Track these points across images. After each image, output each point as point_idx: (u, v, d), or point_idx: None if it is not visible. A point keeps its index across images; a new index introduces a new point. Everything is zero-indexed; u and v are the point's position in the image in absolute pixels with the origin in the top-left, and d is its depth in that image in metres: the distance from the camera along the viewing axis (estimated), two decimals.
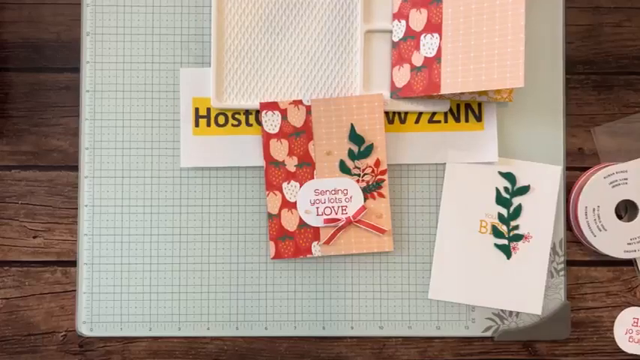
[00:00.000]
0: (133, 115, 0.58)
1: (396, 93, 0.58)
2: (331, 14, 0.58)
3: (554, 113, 0.59)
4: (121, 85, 0.58)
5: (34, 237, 0.58)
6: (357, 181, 0.57)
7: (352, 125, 0.57)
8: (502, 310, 0.58)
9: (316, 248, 0.57)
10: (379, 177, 0.57)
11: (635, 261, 0.59)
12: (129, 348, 0.58)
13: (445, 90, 0.54)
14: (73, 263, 0.58)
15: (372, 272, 0.58)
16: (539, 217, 0.58)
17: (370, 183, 0.57)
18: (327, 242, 0.57)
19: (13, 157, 0.59)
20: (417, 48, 0.56)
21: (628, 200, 0.58)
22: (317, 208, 0.57)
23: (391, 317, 0.58)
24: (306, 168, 0.57)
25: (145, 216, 0.58)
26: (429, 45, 0.55)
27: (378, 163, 0.57)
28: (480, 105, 0.58)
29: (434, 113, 0.58)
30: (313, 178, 0.57)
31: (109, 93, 0.58)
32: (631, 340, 0.59)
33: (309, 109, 0.57)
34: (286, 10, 0.58)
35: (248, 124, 0.58)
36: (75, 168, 0.58)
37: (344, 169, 0.57)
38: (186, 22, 0.59)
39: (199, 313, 0.58)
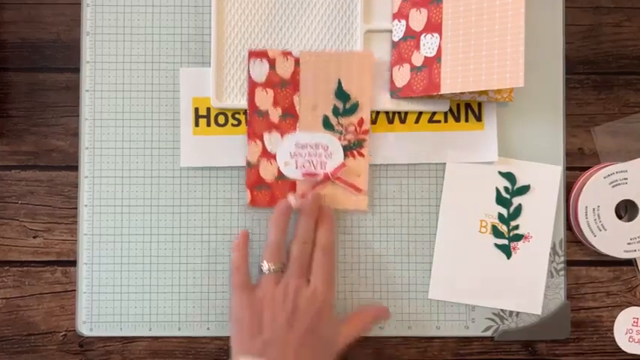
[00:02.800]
0: (133, 115, 0.58)
1: (396, 93, 0.58)
2: (331, 14, 0.58)
3: (554, 113, 0.59)
4: (121, 85, 0.58)
5: (34, 237, 0.58)
6: (339, 138, 0.57)
7: (340, 81, 0.57)
8: (502, 310, 0.58)
9: (292, 201, 0.57)
10: (361, 136, 0.57)
11: (635, 261, 0.59)
12: (129, 348, 0.58)
13: (445, 90, 0.54)
14: (73, 263, 0.58)
15: (372, 272, 0.58)
16: (540, 217, 0.58)
17: (352, 142, 0.57)
18: (303, 196, 0.57)
19: (13, 157, 0.59)
20: (417, 48, 0.56)
21: (628, 200, 0.58)
22: (296, 161, 0.57)
23: (391, 317, 0.58)
24: (290, 120, 0.57)
25: (145, 216, 0.58)
26: (429, 45, 0.55)
27: (361, 122, 0.57)
28: (480, 105, 0.58)
29: (434, 113, 0.58)
30: (296, 130, 0.57)
31: (109, 93, 0.58)
32: (631, 340, 0.59)
33: (297, 61, 0.57)
34: (286, 10, 0.58)
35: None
36: (75, 168, 0.58)
37: (327, 125, 0.57)
38: (186, 22, 0.58)
39: (199, 313, 0.58)
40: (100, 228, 0.58)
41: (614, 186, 0.57)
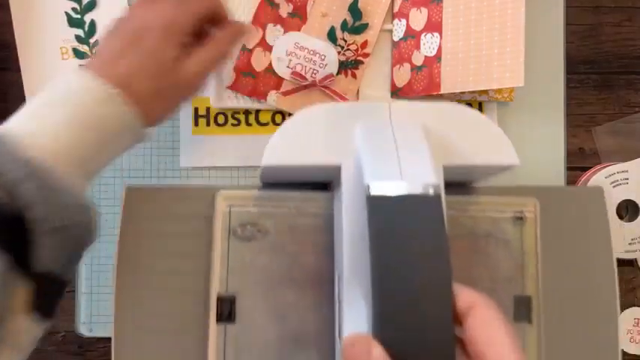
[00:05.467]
0: None
1: (396, 93, 0.57)
2: None
3: (555, 113, 0.59)
4: None
5: None
6: (338, 52, 0.57)
7: None
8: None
9: (272, 97, 0.56)
10: (360, 58, 0.57)
11: (636, 261, 0.59)
12: None
13: (445, 89, 0.53)
14: None
15: None
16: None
17: (349, 59, 0.57)
18: (285, 94, 0.56)
19: None
20: (418, 47, 0.56)
21: (629, 200, 0.58)
22: (290, 60, 0.56)
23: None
24: (297, 20, 0.56)
25: None
26: (429, 44, 0.55)
27: (365, 44, 0.57)
28: (480, 105, 0.58)
29: None
30: (300, 31, 0.57)
31: None
32: (632, 340, 0.59)
33: None
34: None
35: (248, 123, 0.58)
36: None
37: (331, 36, 0.57)
38: None
39: None
40: (99, 228, 0.57)
41: (615, 186, 0.57)
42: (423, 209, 0.33)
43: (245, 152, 0.58)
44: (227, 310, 0.44)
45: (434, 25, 0.55)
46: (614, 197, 0.57)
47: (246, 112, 0.58)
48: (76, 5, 0.58)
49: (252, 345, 0.43)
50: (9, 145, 0.36)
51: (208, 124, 0.58)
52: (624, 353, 0.59)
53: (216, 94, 0.57)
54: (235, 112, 0.58)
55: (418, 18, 0.56)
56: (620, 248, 0.57)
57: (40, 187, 0.35)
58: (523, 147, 0.58)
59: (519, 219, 0.46)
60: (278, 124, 0.58)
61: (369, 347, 0.31)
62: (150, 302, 0.45)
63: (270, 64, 0.56)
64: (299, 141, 0.40)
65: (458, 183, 0.46)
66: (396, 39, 0.58)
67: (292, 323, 0.44)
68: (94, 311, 0.57)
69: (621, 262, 0.59)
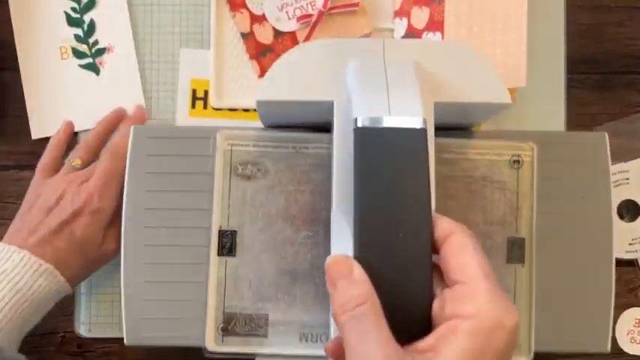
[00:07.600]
0: None
1: None
2: None
3: (556, 113, 0.59)
4: None
5: None
6: None
7: None
8: None
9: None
10: None
11: (637, 261, 0.59)
12: (127, 349, 0.58)
13: None
14: None
15: None
16: (114, 25, 0.57)
17: None
18: (307, 40, 0.55)
19: (12, 157, 0.58)
20: None
21: (630, 200, 0.57)
22: (287, 12, 0.55)
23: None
24: None
25: None
26: None
27: None
28: None
29: None
30: None
31: None
32: (633, 340, 0.59)
33: None
34: None
35: (245, 109, 0.57)
36: None
37: None
38: (185, 21, 0.58)
39: None
40: None
41: (615, 186, 0.57)
42: (407, 141, 0.34)
43: None
44: (228, 244, 0.46)
45: (436, 25, 0.54)
46: (615, 197, 0.57)
47: None
48: (75, 4, 0.57)
49: (251, 277, 0.46)
50: None
51: (205, 107, 0.57)
52: (625, 354, 0.59)
53: (216, 95, 0.57)
54: None
55: (420, 17, 0.55)
56: (621, 248, 0.57)
57: None
58: None
59: (516, 162, 0.47)
60: None
61: (350, 267, 0.32)
62: (155, 237, 0.47)
63: (275, 29, 0.56)
64: (294, 77, 0.41)
65: (458, 127, 0.47)
66: (397, 37, 0.57)
67: (289, 258, 0.46)
68: (93, 312, 0.57)
69: (621, 263, 0.59)
